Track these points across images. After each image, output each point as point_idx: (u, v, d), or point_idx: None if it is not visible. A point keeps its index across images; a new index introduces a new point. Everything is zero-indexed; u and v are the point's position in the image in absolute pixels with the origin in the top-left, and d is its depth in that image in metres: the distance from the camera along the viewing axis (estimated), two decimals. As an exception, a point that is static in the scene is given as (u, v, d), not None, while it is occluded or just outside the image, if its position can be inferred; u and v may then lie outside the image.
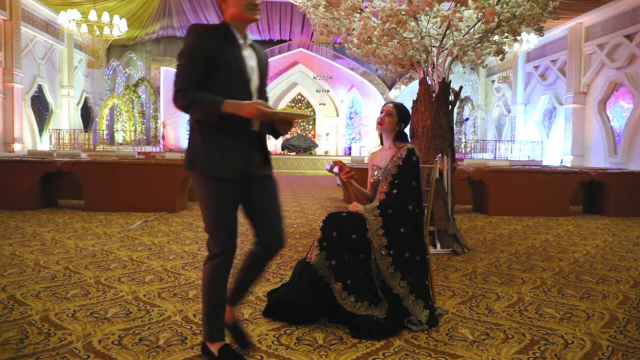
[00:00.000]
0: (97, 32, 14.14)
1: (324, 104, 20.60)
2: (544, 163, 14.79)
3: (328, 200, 8.68)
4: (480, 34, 4.36)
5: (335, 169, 2.66)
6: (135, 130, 19.61)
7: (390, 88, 20.30)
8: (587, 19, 13.52)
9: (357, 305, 2.32)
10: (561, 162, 14.42)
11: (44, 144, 15.10)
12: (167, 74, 20.17)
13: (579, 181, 7.12)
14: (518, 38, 4.36)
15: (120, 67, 20.01)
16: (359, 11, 4.48)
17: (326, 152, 20.40)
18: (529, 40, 13.76)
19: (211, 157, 1.87)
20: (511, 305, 2.76)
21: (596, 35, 13.33)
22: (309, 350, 2.10)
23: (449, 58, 4.55)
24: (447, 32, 4.28)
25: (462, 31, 4.39)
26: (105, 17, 13.79)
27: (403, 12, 4.00)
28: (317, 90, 20.38)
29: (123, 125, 19.59)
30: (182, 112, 1.88)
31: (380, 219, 2.48)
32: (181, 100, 1.81)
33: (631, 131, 12.04)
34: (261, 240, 2.05)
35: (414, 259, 2.48)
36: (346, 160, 16.75)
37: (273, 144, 20.78)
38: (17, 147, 12.79)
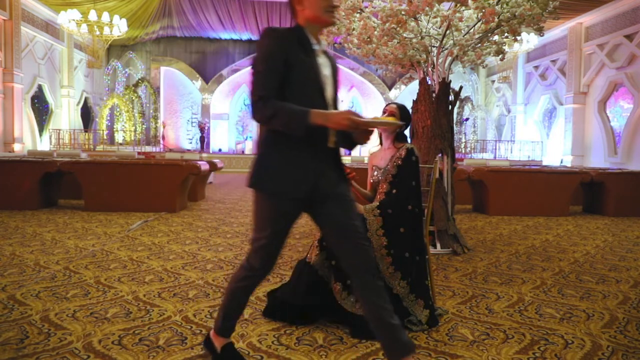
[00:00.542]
0: (97, 32, 14.14)
1: (324, 104, 20.58)
2: (544, 163, 14.80)
3: (328, 200, 8.67)
4: (480, 34, 4.36)
5: None
6: (135, 130, 19.61)
7: (390, 88, 20.30)
8: (587, 19, 13.52)
9: (357, 306, 2.32)
10: (561, 162, 14.42)
11: (44, 144, 15.10)
12: (167, 74, 20.18)
13: (579, 181, 7.12)
14: (518, 38, 4.36)
15: (120, 67, 20.01)
16: (359, 11, 4.48)
17: (326, 152, 20.37)
18: (529, 40, 13.76)
19: (278, 173, 1.71)
20: (511, 305, 2.76)
21: (596, 35, 13.33)
22: (309, 350, 2.10)
23: (449, 58, 4.55)
24: (447, 32, 4.28)
25: (462, 31, 4.39)
26: (105, 17, 13.80)
27: (403, 12, 4.00)
28: (317, 90, 20.35)
29: (123, 125, 19.58)
30: (261, 123, 1.69)
31: (380, 219, 2.49)
32: (262, 110, 1.64)
33: (631, 131, 12.04)
34: (352, 270, 1.76)
35: (414, 258, 2.48)
36: (346, 160, 16.75)
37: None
38: (17, 147, 12.79)
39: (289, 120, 1.63)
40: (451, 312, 2.63)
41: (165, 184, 6.46)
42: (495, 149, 17.93)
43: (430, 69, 4.60)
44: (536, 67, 16.43)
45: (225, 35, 20.42)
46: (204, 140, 19.59)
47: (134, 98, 19.92)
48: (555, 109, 15.45)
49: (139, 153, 14.19)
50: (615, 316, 2.61)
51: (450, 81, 4.60)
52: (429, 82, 4.55)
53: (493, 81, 19.31)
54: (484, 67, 18.82)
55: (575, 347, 2.18)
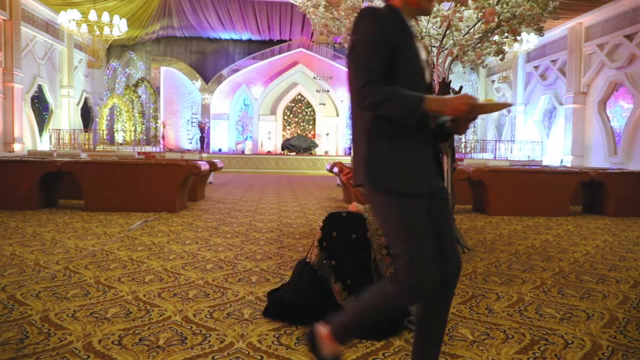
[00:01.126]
0: (97, 32, 14.15)
1: (324, 104, 20.61)
2: (544, 163, 14.80)
3: (328, 200, 8.68)
4: (480, 34, 4.36)
5: (335, 170, 2.67)
6: (135, 130, 19.62)
7: (390, 88, 20.28)
8: (587, 19, 13.52)
9: (357, 305, 2.32)
10: (561, 162, 14.42)
11: (44, 144, 15.11)
12: (167, 74, 20.18)
13: (579, 181, 7.12)
14: (518, 38, 4.37)
15: (120, 67, 20.02)
16: (358, 11, 4.48)
17: (326, 152, 20.41)
18: (529, 40, 13.76)
19: (404, 169, 1.54)
20: (511, 305, 2.76)
21: (596, 35, 13.33)
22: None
23: (449, 58, 4.55)
24: (447, 32, 4.28)
25: (462, 31, 4.39)
26: (105, 17, 13.81)
27: (403, 12, 3.99)
28: (317, 90, 20.38)
29: (123, 125, 19.59)
30: (371, 110, 1.51)
31: (380, 219, 2.49)
32: (372, 95, 1.47)
33: (631, 131, 12.04)
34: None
35: (414, 259, 2.48)
36: (346, 160, 16.76)
37: (273, 144, 20.80)
38: (17, 147, 12.79)
39: (403, 107, 1.48)
40: (451, 312, 2.63)
41: (165, 184, 6.46)
42: (495, 149, 17.93)
43: (430, 69, 4.60)
44: (536, 67, 16.43)
45: (225, 35, 20.43)
46: (204, 140, 19.59)
47: (134, 98, 19.93)
48: (555, 109, 15.46)
49: (139, 153, 14.19)
50: (615, 316, 2.61)
51: (451, 81, 4.60)
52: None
53: (493, 81, 19.31)
54: (484, 67, 18.83)
55: (575, 347, 2.18)
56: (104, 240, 4.47)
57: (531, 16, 3.90)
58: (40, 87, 14.91)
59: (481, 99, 2.86)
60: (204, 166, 7.18)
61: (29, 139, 14.12)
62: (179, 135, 20.57)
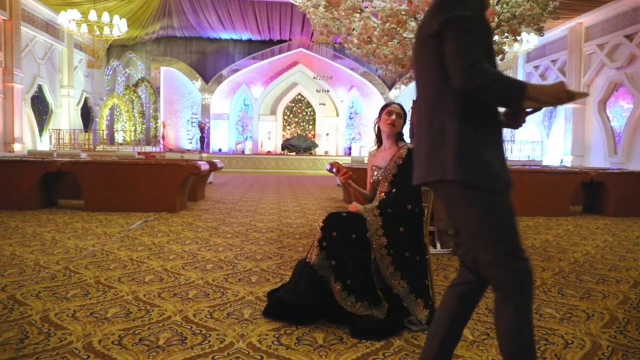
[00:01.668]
0: (97, 32, 14.15)
1: (324, 104, 20.61)
2: (544, 163, 14.80)
3: (328, 200, 8.68)
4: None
5: (335, 170, 2.67)
6: (135, 130, 19.62)
7: (390, 88, 20.31)
8: (587, 19, 13.52)
9: (357, 306, 2.32)
10: (561, 162, 14.42)
11: (44, 144, 15.11)
12: (167, 74, 20.18)
13: (579, 181, 7.12)
14: (518, 38, 4.37)
15: (120, 67, 20.02)
16: (359, 11, 4.48)
17: (326, 152, 20.41)
18: (529, 40, 13.75)
19: (496, 161, 1.44)
20: (511, 305, 2.76)
21: (596, 35, 13.33)
22: (309, 350, 2.09)
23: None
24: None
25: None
26: (105, 17, 13.81)
27: (403, 12, 4.00)
28: (317, 90, 20.38)
29: (123, 125, 19.59)
30: (477, 91, 1.36)
31: (380, 219, 2.49)
32: (482, 75, 1.33)
33: (631, 131, 12.04)
34: (478, 269, 1.57)
35: (414, 258, 2.48)
36: (346, 160, 16.76)
37: (273, 144, 20.81)
38: (17, 147, 12.79)
39: (511, 91, 1.37)
40: (451, 312, 2.63)
41: (165, 184, 6.46)
42: (495, 149, 17.91)
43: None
44: (536, 67, 16.43)
45: (225, 35, 20.43)
46: (204, 140, 19.59)
47: (134, 98, 19.93)
48: (555, 108, 15.45)
49: (139, 153, 14.19)
50: (615, 316, 2.61)
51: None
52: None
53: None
54: (484, 67, 18.78)
55: (575, 347, 2.18)
56: (104, 240, 4.47)
57: (531, 16, 3.91)
58: (40, 87, 14.91)
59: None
60: (204, 166, 7.18)
61: (29, 139, 14.12)
62: (179, 135, 20.58)
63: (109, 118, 19.24)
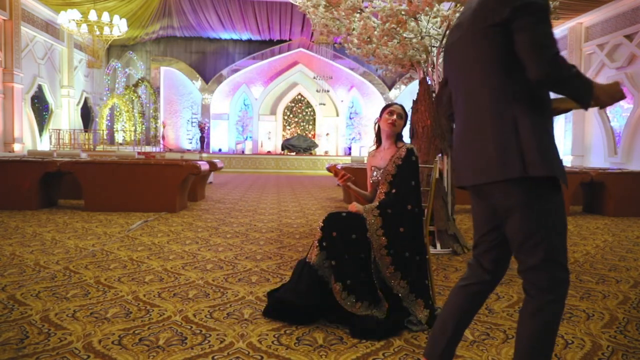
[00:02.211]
0: (97, 32, 14.16)
1: (324, 104, 20.61)
2: (544, 163, 14.77)
3: (328, 200, 8.68)
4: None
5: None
6: (135, 130, 19.62)
7: (390, 88, 20.31)
8: (587, 19, 13.52)
9: (357, 306, 2.33)
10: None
11: (44, 144, 15.11)
12: (167, 74, 20.19)
13: (579, 181, 7.12)
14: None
15: (120, 67, 20.02)
16: (359, 11, 4.48)
17: (326, 152, 20.42)
18: (529, 40, 13.75)
19: (556, 152, 1.38)
20: (511, 305, 2.76)
21: (596, 35, 13.33)
22: (309, 350, 2.09)
23: (449, 58, 4.54)
24: (447, 32, 4.28)
25: (462, 31, 4.39)
26: (105, 17, 13.82)
27: (403, 12, 4.00)
28: (317, 90, 20.39)
29: (123, 125, 19.60)
30: (555, 81, 1.30)
31: (380, 219, 2.49)
32: (564, 67, 1.28)
33: (631, 131, 12.04)
34: (496, 268, 1.60)
35: (414, 258, 2.48)
36: (346, 160, 16.76)
37: (273, 144, 20.81)
38: (17, 147, 12.79)
39: (585, 87, 1.32)
40: (451, 312, 2.63)
41: (165, 184, 6.46)
42: (495, 149, 17.92)
43: (430, 69, 4.60)
44: (536, 67, 16.43)
45: (225, 35, 20.43)
46: (204, 140, 19.60)
47: (134, 98, 19.94)
48: (555, 109, 15.45)
49: (139, 153, 14.18)
50: (615, 316, 2.61)
51: (450, 81, 4.60)
52: (429, 82, 4.55)
53: (493, 81, 19.31)
54: (484, 67, 18.78)
55: (575, 347, 2.18)
56: (104, 240, 4.47)
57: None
58: (40, 87, 14.91)
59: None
60: (204, 166, 7.18)
61: (29, 139, 14.12)
62: (179, 135, 20.58)
63: (109, 118, 19.24)
